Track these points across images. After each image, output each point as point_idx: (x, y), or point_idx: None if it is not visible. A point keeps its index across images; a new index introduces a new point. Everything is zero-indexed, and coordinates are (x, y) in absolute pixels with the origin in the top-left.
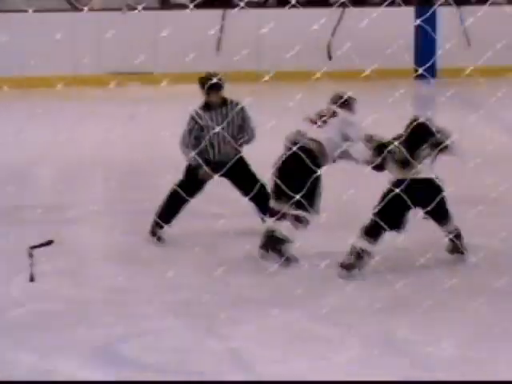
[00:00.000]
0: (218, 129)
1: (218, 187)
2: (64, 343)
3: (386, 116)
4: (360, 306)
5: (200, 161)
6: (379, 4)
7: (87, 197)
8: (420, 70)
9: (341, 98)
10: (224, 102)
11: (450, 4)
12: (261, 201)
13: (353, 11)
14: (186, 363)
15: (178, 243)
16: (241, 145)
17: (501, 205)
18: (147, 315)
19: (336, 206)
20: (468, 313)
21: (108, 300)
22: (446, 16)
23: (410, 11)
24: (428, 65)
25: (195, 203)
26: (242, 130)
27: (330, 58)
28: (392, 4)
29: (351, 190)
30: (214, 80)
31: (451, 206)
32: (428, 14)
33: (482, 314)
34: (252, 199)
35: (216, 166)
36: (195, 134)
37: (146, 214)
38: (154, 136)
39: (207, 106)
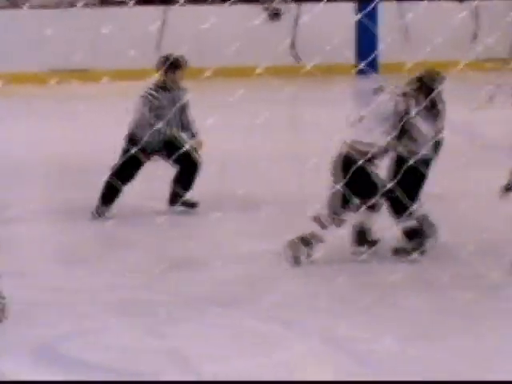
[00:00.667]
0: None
1: (162, 183)
2: (6, 344)
3: (326, 111)
4: (300, 303)
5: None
6: (320, 0)
7: (25, 196)
8: (361, 65)
9: None
10: (178, 85)
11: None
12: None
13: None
14: (126, 362)
15: (118, 242)
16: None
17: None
18: (88, 314)
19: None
20: (408, 309)
21: (49, 299)
22: (386, 11)
23: (350, 7)
24: (369, 60)
25: (137, 200)
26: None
27: (297, 59)
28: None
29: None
30: (174, 59)
31: None
32: (368, 9)
33: (422, 311)
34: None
35: (161, 147)
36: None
37: (86, 212)
38: (94, 133)
39: (163, 87)
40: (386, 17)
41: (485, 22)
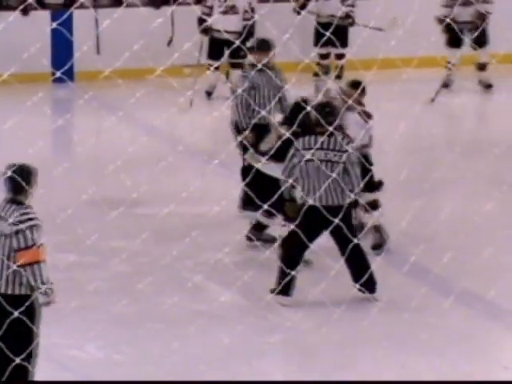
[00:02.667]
0: None
1: None
2: None
3: (23, 119)
4: None
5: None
6: (15, 8)
7: None
8: (57, 74)
9: None
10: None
11: (86, 7)
12: None
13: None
14: None
15: None
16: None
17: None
18: None
19: None
20: (112, 315)
21: None
22: (81, 19)
23: (46, 14)
24: (65, 68)
25: None
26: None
27: None
28: (27, 8)
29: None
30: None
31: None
32: (64, 17)
33: (126, 316)
34: None
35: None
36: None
37: None
38: None
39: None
40: (82, 24)
41: (181, 27)
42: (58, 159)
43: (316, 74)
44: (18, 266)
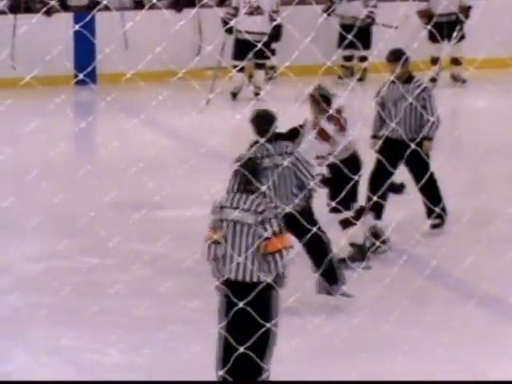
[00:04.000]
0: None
1: None
2: None
3: (46, 122)
4: (24, 315)
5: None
6: (38, 10)
7: None
8: (80, 76)
9: None
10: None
11: (109, 9)
12: None
13: (9, 18)
14: None
15: None
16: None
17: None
18: None
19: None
20: (133, 318)
21: None
22: (104, 21)
23: (69, 17)
24: (88, 70)
25: None
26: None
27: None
28: (50, 10)
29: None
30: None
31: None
32: (87, 19)
33: (147, 319)
34: None
35: None
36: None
37: None
38: None
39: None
40: (105, 27)
41: (203, 30)
42: (81, 162)
43: (340, 77)
44: (266, 254)
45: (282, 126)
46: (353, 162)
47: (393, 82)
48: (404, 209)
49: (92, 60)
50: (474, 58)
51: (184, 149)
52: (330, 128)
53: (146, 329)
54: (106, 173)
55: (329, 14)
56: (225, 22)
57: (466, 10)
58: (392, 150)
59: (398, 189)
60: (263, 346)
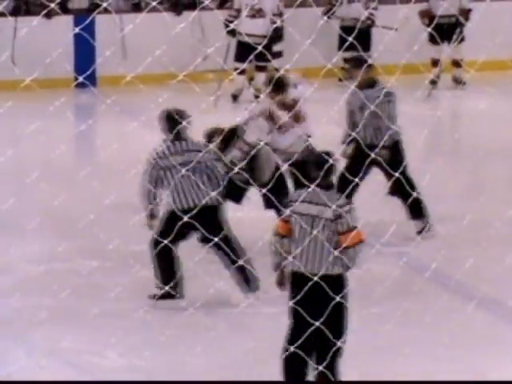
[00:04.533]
0: None
1: None
2: None
3: (46, 125)
4: (24, 317)
5: None
6: (38, 13)
7: None
8: (80, 79)
9: None
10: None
11: (109, 12)
12: None
13: (9, 21)
14: None
15: None
16: None
17: None
18: None
19: None
20: (133, 320)
21: None
22: (104, 24)
23: (69, 20)
24: (88, 73)
25: None
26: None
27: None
28: (50, 13)
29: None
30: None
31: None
32: (87, 21)
33: (147, 321)
34: None
35: None
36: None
37: None
38: None
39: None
40: (105, 29)
41: (206, 33)
42: (81, 164)
43: (340, 80)
44: (344, 248)
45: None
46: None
47: (358, 88)
48: (404, 211)
49: (92, 63)
50: (474, 60)
51: None
52: (280, 114)
53: (146, 331)
54: (105, 175)
55: (329, 17)
56: (227, 25)
57: (466, 13)
58: (362, 155)
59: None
60: (338, 337)
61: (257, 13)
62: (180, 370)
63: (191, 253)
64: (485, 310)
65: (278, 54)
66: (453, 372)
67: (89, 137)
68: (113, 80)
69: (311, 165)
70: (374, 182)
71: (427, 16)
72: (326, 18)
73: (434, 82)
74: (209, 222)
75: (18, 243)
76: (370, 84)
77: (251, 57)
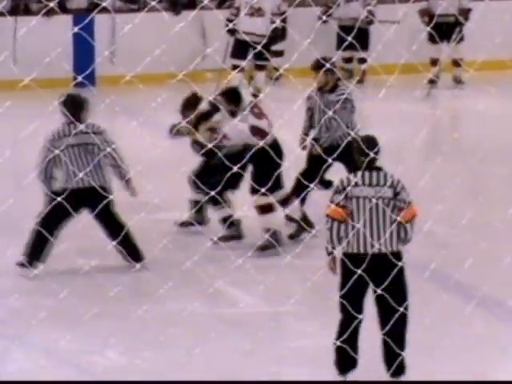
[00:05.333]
0: None
1: None
2: None
3: (45, 125)
4: (23, 317)
5: None
6: (37, 13)
7: None
8: (79, 78)
9: None
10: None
11: (108, 12)
12: None
13: (8, 20)
14: None
15: None
16: None
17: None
18: None
19: None
20: (133, 320)
21: None
22: (103, 23)
23: (68, 19)
24: (87, 73)
25: None
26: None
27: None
28: (49, 12)
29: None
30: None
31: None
32: (86, 21)
33: (147, 321)
34: None
35: None
36: None
37: None
38: None
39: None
40: (104, 29)
41: (206, 32)
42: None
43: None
44: (403, 223)
45: (283, 127)
46: (274, 149)
47: (318, 90)
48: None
49: (91, 62)
50: (473, 59)
51: (183, 151)
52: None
53: (146, 331)
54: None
55: (326, 19)
56: (227, 24)
57: (465, 13)
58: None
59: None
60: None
61: (256, 11)
62: (180, 370)
63: (190, 253)
64: (484, 310)
65: (279, 53)
66: (452, 372)
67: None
68: (112, 79)
69: (359, 149)
70: None
71: (427, 14)
72: (325, 17)
73: (432, 82)
74: (96, 200)
75: (17, 244)
76: (331, 88)
77: (250, 56)
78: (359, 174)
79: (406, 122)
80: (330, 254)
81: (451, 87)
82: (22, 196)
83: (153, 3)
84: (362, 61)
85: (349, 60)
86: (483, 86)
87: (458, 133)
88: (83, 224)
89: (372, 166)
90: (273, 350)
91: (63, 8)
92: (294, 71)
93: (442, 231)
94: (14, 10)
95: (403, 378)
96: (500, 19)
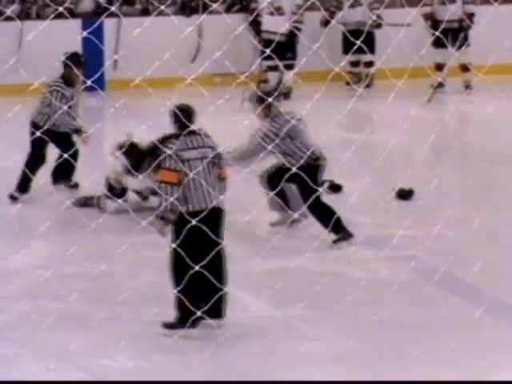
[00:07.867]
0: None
1: None
2: None
3: None
4: (32, 321)
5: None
6: (46, 17)
7: None
8: (88, 82)
9: None
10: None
11: (117, 16)
12: None
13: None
14: None
15: None
16: None
17: None
18: None
19: None
20: (141, 324)
21: None
22: (112, 27)
23: (77, 23)
24: (96, 77)
25: None
26: None
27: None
28: (59, 17)
29: None
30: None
31: None
32: (95, 25)
33: (156, 325)
34: None
35: None
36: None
37: None
38: None
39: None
40: (113, 33)
41: (210, 36)
42: (89, 168)
43: (347, 83)
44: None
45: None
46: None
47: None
48: (412, 214)
49: (100, 66)
50: (482, 64)
51: None
52: None
53: (155, 335)
54: None
55: (325, 24)
56: (252, 23)
57: (469, 17)
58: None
59: (407, 195)
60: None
61: (276, 11)
62: (188, 374)
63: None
64: (494, 314)
65: (290, 67)
66: (461, 377)
67: (97, 140)
68: (121, 83)
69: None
70: (382, 186)
71: (430, 19)
72: (330, 24)
73: (437, 87)
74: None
75: (27, 248)
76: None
77: (259, 59)
78: (182, 138)
79: (415, 127)
80: (163, 218)
81: (460, 91)
82: (31, 200)
83: (162, 7)
84: (369, 64)
85: (356, 64)
86: (492, 90)
87: (467, 137)
88: (92, 228)
89: (191, 131)
90: (283, 354)
91: (72, 12)
92: (302, 75)
93: (451, 235)
94: (23, 14)
95: None
96: (508, 23)
